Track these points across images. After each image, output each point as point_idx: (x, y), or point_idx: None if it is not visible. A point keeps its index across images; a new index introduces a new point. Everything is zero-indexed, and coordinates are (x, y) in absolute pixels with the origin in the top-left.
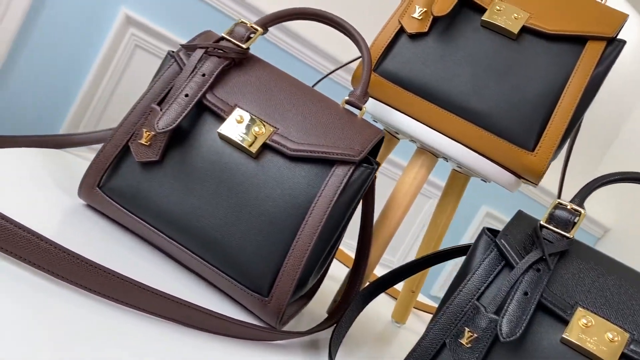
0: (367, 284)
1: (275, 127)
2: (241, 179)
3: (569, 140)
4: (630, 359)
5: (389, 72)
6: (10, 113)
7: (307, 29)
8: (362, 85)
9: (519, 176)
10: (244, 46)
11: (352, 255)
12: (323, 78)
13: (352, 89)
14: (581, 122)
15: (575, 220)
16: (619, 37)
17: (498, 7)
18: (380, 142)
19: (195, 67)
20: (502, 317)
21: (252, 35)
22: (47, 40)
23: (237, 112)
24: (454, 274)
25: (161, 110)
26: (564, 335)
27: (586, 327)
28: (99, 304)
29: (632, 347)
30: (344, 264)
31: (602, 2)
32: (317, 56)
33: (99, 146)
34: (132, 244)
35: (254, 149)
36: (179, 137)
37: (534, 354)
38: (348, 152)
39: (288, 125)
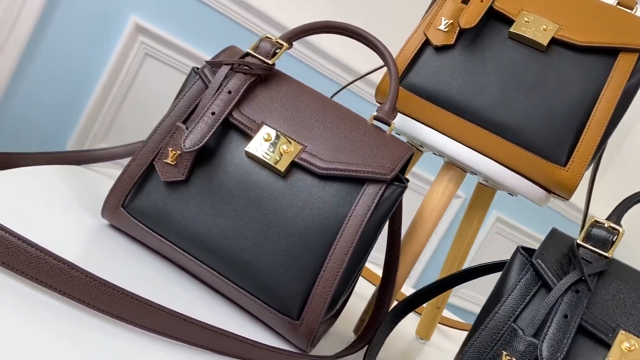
0: (395, 302)
1: (304, 145)
2: (269, 198)
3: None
4: None
5: (415, 85)
6: (20, 121)
7: (322, 39)
8: (391, 100)
9: (549, 191)
10: (270, 62)
11: (376, 271)
12: (341, 89)
13: (372, 99)
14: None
15: (614, 239)
16: None
17: (526, 19)
18: (409, 158)
19: (221, 84)
20: (542, 341)
21: (277, 51)
22: (56, 50)
23: (265, 130)
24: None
25: (187, 128)
26: None
27: (629, 351)
28: (129, 332)
29: None
30: (368, 280)
31: (633, 12)
32: (333, 66)
33: (120, 161)
34: (158, 265)
35: (282, 168)
36: (205, 156)
37: None
38: (379, 170)
39: (316, 143)
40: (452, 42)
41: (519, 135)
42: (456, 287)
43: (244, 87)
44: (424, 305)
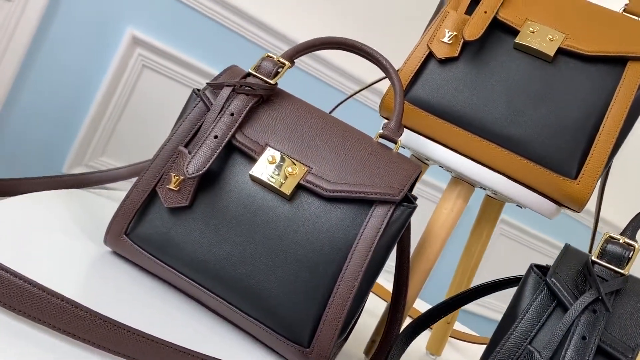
0: (407, 321)
1: (309, 166)
2: (275, 222)
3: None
4: None
5: (420, 99)
6: (19, 134)
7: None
8: (396, 117)
9: (560, 204)
10: (272, 82)
11: (386, 286)
12: (346, 99)
13: (376, 108)
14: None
15: (630, 256)
16: None
17: (531, 29)
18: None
19: (223, 107)
20: None
21: (279, 70)
22: (54, 63)
23: (269, 152)
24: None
25: (189, 153)
26: None
27: None
28: None
29: None
30: (379, 296)
31: None
32: (338, 76)
33: (122, 183)
34: (164, 293)
35: (287, 191)
36: (208, 180)
37: None
38: (387, 191)
39: (322, 164)
40: (457, 55)
41: (527, 148)
42: None
43: (247, 108)
44: None
